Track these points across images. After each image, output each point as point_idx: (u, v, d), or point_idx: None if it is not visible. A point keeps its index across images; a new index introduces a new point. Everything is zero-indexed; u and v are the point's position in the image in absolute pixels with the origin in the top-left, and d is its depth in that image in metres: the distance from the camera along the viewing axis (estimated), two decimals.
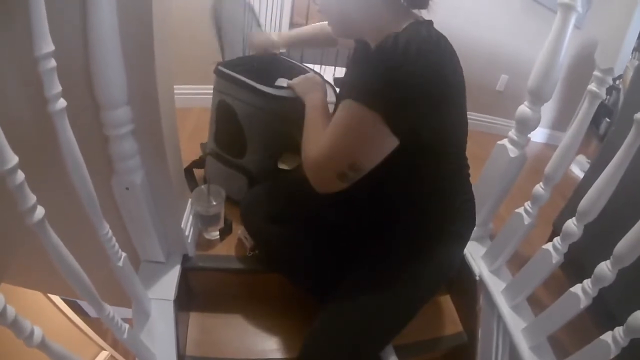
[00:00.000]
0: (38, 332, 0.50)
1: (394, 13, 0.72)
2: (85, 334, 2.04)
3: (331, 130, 0.71)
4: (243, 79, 1.06)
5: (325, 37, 1.15)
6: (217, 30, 1.19)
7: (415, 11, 0.75)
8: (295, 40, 1.22)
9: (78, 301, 2.02)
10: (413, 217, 0.86)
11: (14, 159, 0.44)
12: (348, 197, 0.78)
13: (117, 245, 0.70)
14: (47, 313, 1.78)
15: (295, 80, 1.03)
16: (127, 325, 0.72)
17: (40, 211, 0.49)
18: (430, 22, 0.72)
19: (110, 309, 0.66)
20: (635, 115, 0.74)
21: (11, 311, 0.46)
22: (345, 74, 1.01)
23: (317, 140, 0.77)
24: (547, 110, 2.45)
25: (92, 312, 2.07)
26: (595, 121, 2.89)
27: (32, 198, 0.48)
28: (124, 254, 0.73)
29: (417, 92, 0.63)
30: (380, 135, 0.66)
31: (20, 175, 0.45)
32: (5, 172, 0.44)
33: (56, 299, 1.81)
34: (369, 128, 0.66)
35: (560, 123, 2.55)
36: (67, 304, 1.95)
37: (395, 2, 0.71)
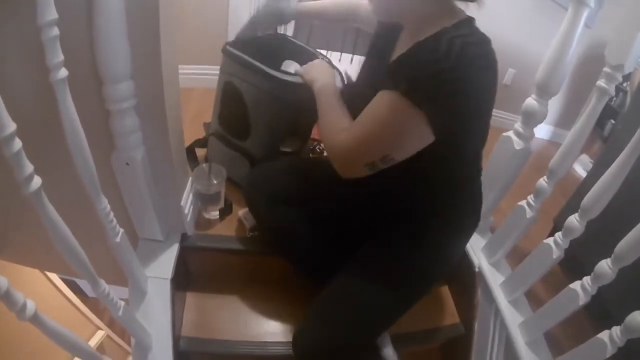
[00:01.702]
0: (31, 305, 0.50)
1: (439, 2, 0.70)
2: (82, 313, 2.05)
3: (368, 119, 0.71)
4: (253, 61, 1.04)
5: (344, 12, 1.12)
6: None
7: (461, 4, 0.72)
8: (309, 13, 1.17)
9: (76, 281, 2.03)
10: (422, 209, 0.86)
11: (11, 126, 0.44)
12: (357, 184, 0.78)
13: (114, 220, 0.70)
14: (45, 291, 1.78)
15: (303, 68, 1.01)
16: (122, 303, 0.71)
17: (37, 181, 0.48)
18: (474, 21, 0.71)
19: (105, 285, 0.65)
20: None
21: (3, 282, 0.46)
22: (365, 64, 0.97)
23: (343, 126, 0.77)
24: (553, 108, 2.42)
25: (89, 292, 2.08)
26: (600, 122, 2.87)
27: (30, 167, 0.47)
28: (121, 230, 0.73)
29: (465, 97, 0.64)
30: (419, 132, 0.66)
31: (18, 143, 0.45)
32: (3, 139, 0.43)
33: (54, 278, 1.82)
34: (411, 124, 0.66)
35: (565, 121, 2.53)
36: (66, 284, 1.96)
37: None
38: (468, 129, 0.72)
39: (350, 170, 0.76)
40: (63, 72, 0.52)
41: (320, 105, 0.87)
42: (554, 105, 2.45)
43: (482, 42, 0.66)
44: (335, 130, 0.77)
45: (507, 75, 2.29)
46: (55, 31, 0.50)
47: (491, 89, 0.68)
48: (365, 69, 0.94)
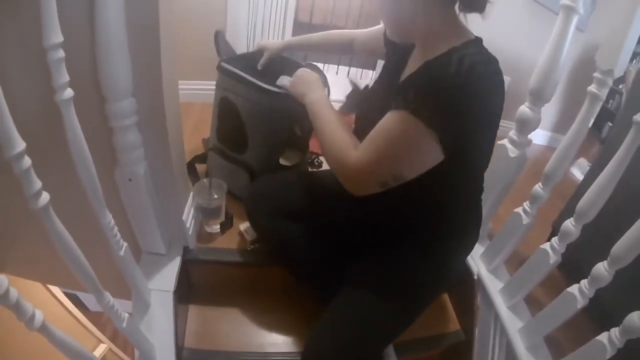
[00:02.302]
0: (39, 315, 0.51)
1: (447, 20, 0.72)
2: (85, 326, 2.05)
3: (380, 138, 0.71)
4: (246, 76, 1.07)
5: (338, 46, 1.17)
6: (217, 48, 1.20)
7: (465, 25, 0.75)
8: (301, 46, 1.21)
9: (78, 295, 2.04)
10: (427, 227, 0.87)
11: (21, 144, 0.46)
12: (361, 200, 0.78)
13: (119, 234, 0.72)
14: (47, 305, 1.79)
15: (290, 82, 1.00)
16: (126, 314, 0.73)
17: (45, 197, 0.50)
18: (481, 41, 0.73)
19: (110, 297, 0.67)
20: (635, 116, 0.74)
21: (14, 293, 0.47)
22: (378, 82, 0.98)
23: (350, 144, 0.76)
24: (550, 113, 2.45)
25: (91, 306, 2.09)
26: (598, 125, 2.91)
27: (38, 183, 0.49)
28: (125, 244, 0.74)
29: (474, 117, 0.65)
30: (430, 151, 0.67)
31: (27, 161, 0.47)
32: (13, 157, 0.45)
33: (57, 291, 1.83)
34: (422, 143, 0.66)
35: (562, 126, 2.55)
36: (67, 297, 1.97)
37: (449, 7, 0.71)
38: (475, 147, 0.72)
39: (362, 189, 0.76)
40: (69, 93, 0.55)
41: (316, 120, 0.86)
42: (551, 110, 2.46)
43: (490, 62, 0.67)
44: (343, 149, 0.76)
45: None
46: (61, 53, 0.53)
47: (498, 109, 0.69)
48: (377, 87, 0.95)
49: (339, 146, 0.78)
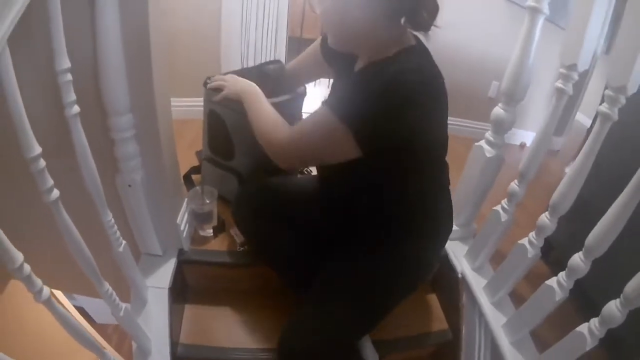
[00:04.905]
0: (46, 290, 0.63)
1: (391, 33, 0.80)
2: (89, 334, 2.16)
3: (305, 127, 0.86)
4: None
5: (312, 60, 1.16)
6: None
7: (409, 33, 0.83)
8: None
9: (84, 307, 2.18)
10: (398, 223, 0.96)
11: (38, 149, 0.60)
12: (334, 200, 0.90)
13: (118, 232, 0.86)
14: None
15: (225, 86, 1.11)
16: (124, 304, 0.85)
17: (56, 192, 0.64)
18: (416, 47, 0.82)
19: (108, 286, 0.80)
20: (599, 107, 0.81)
21: (27, 268, 0.60)
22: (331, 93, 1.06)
23: (279, 123, 0.92)
24: (540, 117, 2.49)
25: (98, 319, 2.23)
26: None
27: (50, 181, 0.63)
28: (124, 242, 0.89)
29: (388, 122, 0.74)
30: (347, 146, 0.78)
31: (42, 162, 0.61)
32: (32, 158, 0.59)
33: (64, 301, 1.97)
34: (338, 138, 0.78)
35: (554, 129, 2.61)
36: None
37: (395, 22, 0.79)
38: (420, 148, 0.82)
39: (284, 162, 0.92)
40: (76, 109, 0.69)
41: (251, 109, 1.00)
42: (541, 114, 2.52)
43: (421, 68, 0.77)
44: (276, 127, 0.92)
45: (491, 88, 2.39)
46: (69, 76, 0.68)
47: (437, 107, 0.80)
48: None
49: (272, 125, 0.93)
